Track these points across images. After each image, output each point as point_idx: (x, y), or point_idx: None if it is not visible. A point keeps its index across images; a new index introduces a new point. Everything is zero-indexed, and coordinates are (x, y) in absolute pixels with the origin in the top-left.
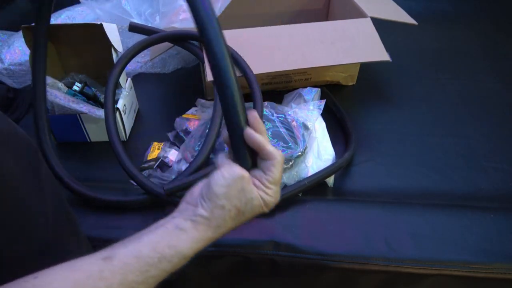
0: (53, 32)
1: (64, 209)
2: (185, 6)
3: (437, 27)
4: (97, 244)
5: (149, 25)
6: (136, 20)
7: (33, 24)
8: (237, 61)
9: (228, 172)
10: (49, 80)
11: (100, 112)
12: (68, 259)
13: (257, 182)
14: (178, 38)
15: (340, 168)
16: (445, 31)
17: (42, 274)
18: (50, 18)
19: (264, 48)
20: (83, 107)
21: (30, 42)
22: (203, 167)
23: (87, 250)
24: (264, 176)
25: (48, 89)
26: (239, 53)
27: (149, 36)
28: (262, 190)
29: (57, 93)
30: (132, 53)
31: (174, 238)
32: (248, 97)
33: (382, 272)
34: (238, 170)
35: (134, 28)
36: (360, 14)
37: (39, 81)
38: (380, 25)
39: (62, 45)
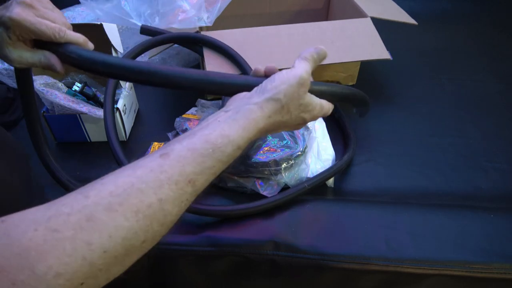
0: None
1: None
2: (184, 6)
3: (437, 27)
4: None
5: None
6: (136, 21)
7: None
8: (236, 59)
9: (293, 73)
10: (49, 80)
11: (100, 112)
12: None
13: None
14: (180, 40)
15: (340, 171)
16: (445, 31)
17: (109, 175)
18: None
19: (264, 47)
20: (83, 107)
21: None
22: None
23: None
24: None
25: (47, 89)
26: (239, 52)
27: (150, 38)
28: (312, 99)
29: (57, 93)
30: (133, 55)
31: (226, 128)
32: None
33: (382, 272)
34: (303, 74)
35: (145, 30)
36: (360, 14)
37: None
38: (380, 25)
39: None
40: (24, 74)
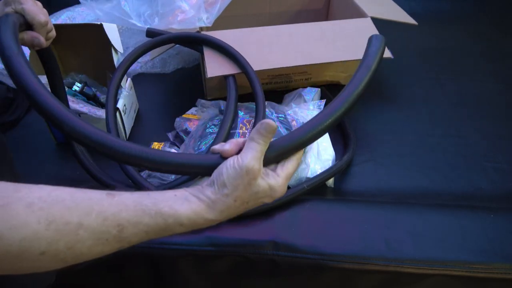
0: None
1: None
2: (183, 7)
3: (437, 27)
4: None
5: (148, 26)
6: (135, 21)
7: None
8: (236, 58)
9: (238, 163)
10: None
11: (99, 112)
12: None
13: (270, 172)
14: (181, 40)
15: (339, 171)
16: (445, 31)
17: (51, 186)
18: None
19: (264, 47)
20: (83, 107)
21: (32, 53)
22: None
23: None
24: (279, 167)
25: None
26: (240, 52)
27: (151, 39)
28: (273, 180)
29: None
30: (135, 56)
31: (178, 203)
32: (249, 96)
33: (382, 272)
34: (249, 162)
35: (150, 33)
36: (360, 14)
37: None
38: (380, 25)
39: (62, 45)
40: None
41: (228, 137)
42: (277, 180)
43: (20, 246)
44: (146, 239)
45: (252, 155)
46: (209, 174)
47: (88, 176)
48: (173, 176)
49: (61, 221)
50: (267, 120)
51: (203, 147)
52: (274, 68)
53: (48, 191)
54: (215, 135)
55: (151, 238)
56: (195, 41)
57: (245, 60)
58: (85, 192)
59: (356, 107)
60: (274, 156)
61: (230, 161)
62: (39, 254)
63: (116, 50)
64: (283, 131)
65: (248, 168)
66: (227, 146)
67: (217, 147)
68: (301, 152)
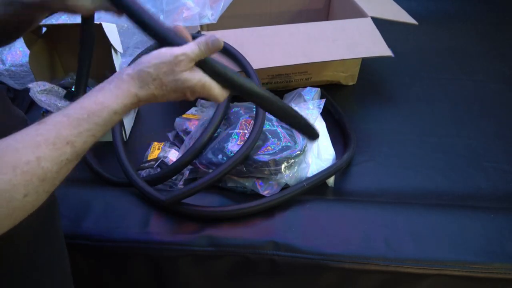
0: (53, 32)
1: None
2: (188, 4)
3: (437, 27)
4: (97, 244)
5: None
6: None
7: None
8: (236, 57)
9: (170, 49)
10: (46, 85)
11: None
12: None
13: (196, 70)
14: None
15: (339, 170)
16: (445, 31)
17: None
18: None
19: (264, 46)
20: None
21: (30, 42)
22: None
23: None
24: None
25: (45, 96)
26: (240, 51)
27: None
28: (198, 79)
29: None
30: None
31: (100, 96)
32: None
33: (382, 272)
34: (179, 54)
35: None
36: (360, 14)
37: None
38: (380, 25)
39: (62, 45)
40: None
41: (213, 136)
42: (202, 80)
43: (5, 199)
44: (97, 139)
45: (186, 50)
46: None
47: (88, 175)
48: (180, 183)
49: (21, 162)
50: (218, 38)
51: None
52: (274, 67)
53: None
54: (215, 135)
55: (101, 135)
56: None
57: (245, 59)
58: (22, 132)
59: (356, 107)
60: (209, 67)
61: (162, 49)
62: (23, 198)
63: (116, 50)
64: (282, 131)
65: (176, 57)
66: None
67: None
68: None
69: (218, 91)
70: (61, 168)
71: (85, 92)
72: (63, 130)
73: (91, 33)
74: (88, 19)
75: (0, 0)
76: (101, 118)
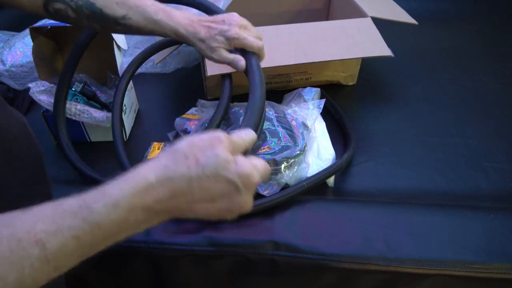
0: (54, 32)
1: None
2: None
3: (437, 27)
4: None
5: None
6: None
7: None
8: None
9: (208, 133)
10: (46, 85)
11: (96, 114)
12: None
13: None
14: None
15: (339, 170)
16: (445, 31)
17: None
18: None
19: (264, 46)
20: (85, 117)
21: (36, 41)
22: None
23: None
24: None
25: (44, 96)
26: None
27: (159, 40)
28: (241, 159)
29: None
30: (144, 55)
31: (107, 185)
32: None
33: (382, 272)
34: (221, 134)
35: None
36: (360, 14)
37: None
38: (380, 25)
39: (62, 45)
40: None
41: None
42: (245, 160)
43: None
44: (81, 245)
45: (225, 135)
46: None
47: (88, 176)
48: None
49: None
50: (253, 132)
51: None
52: (274, 67)
53: None
54: None
55: (88, 243)
56: None
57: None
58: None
59: (356, 107)
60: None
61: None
62: None
63: (119, 48)
64: (282, 131)
65: (219, 137)
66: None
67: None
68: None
69: (259, 166)
70: (20, 278)
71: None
72: (39, 223)
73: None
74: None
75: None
76: (94, 212)
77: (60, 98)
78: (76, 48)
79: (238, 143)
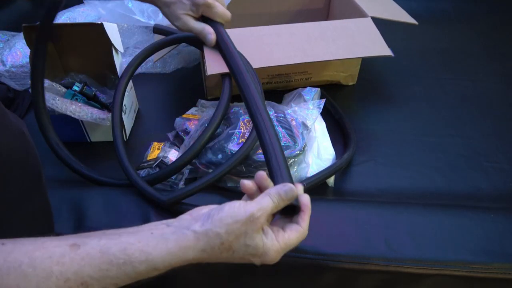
0: (54, 32)
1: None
2: None
3: (437, 27)
4: None
5: (152, 22)
6: (139, 17)
7: (36, 23)
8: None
9: (245, 206)
10: (47, 82)
11: (96, 114)
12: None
13: (270, 232)
14: (186, 40)
15: (339, 170)
16: (446, 31)
17: (10, 242)
18: (53, 21)
19: (264, 45)
20: (86, 115)
21: (31, 41)
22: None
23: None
24: (282, 232)
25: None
26: (239, 50)
27: (159, 40)
28: (270, 242)
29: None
30: (143, 56)
31: (151, 244)
32: None
33: (382, 272)
34: (255, 211)
35: (158, 30)
36: (360, 13)
37: (38, 80)
38: (381, 25)
39: (62, 45)
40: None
41: (213, 136)
42: (274, 244)
43: None
44: (118, 286)
45: (261, 206)
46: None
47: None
48: (181, 183)
49: None
50: (292, 186)
51: None
52: (274, 67)
53: (5, 255)
54: (215, 135)
55: (122, 286)
56: (197, 41)
57: (245, 58)
58: (46, 249)
59: (356, 107)
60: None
61: (235, 204)
62: None
63: (116, 50)
64: (282, 131)
65: (253, 216)
66: (259, 177)
67: (246, 182)
68: (305, 227)
69: (294, 242)
70: None
71: (42, 93)
72: (87, 267)
73: (50, 27)
74: (53, 11)
75: None
76: (136, 271)
77: (38, 93)
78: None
79: (275, 208)
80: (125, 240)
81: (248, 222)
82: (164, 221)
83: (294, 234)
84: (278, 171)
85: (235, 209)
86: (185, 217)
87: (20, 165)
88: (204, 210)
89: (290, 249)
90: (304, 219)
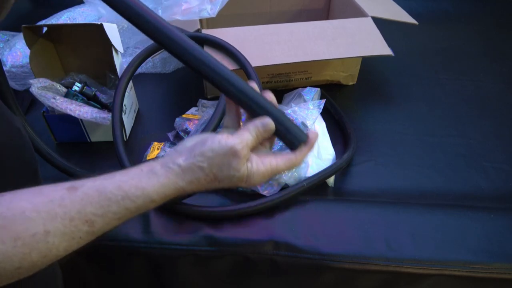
0: (53, 32)
1: None
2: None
3: (437, 27)
4: (97, 243)
5: None
6: None
7: (36, 23)
8: (235, 56)
9: (226, 140)
10: (47, 82)
11: (96, 114)
12: None
13: (255, 158)
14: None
15: (339, 170)
16: (445, 31)
17: (9, 193)
18: None
19: (264, 44)
20: (86, 113)
21: (31, 41)
22: None
23: None
24: (270, 157)
25: (44, 92)
26: (239, 49)
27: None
28: (255, 167)
29: (52, 97)
30: (142, 57)
31: (144, 179)
32: None
33: (382, 272)
34: (236, 144)
35: None
36: (360, 13)
37: None
38: (380, 25)
39: (62, 45)
40: None
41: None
42: (259, 168)
43: None
44: (121, 223)
45: (241, 140)
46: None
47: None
48: None
49: (26, 234)
50: (269, 120)
51: None
52: (274, 66)
53: (7, 204)
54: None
55: (125, 220)
56: (198, 41)
57: (244, 57)
58: (45, 194)
59: (356, 107)
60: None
61: (218, 136)
62: (15, 270)
63: (116, 50)
64: None
65: (234, 149)
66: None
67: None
68: (298, 157)
69: (281, 167)
70: (70, 246)
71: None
72: (88, 206)
73: None
74: None
75: None
76: (135, 205)
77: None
78: None
79: (255, 140)
80: (118, 179)
81: (229, 154)
82: (151, 160)
83: (283, 160)
84: (252, 103)
85: (216, 143)
86: (170, 152)
87: (16, 159)
88: (188, 143)
89: (278, 173)
90: (302, 150)
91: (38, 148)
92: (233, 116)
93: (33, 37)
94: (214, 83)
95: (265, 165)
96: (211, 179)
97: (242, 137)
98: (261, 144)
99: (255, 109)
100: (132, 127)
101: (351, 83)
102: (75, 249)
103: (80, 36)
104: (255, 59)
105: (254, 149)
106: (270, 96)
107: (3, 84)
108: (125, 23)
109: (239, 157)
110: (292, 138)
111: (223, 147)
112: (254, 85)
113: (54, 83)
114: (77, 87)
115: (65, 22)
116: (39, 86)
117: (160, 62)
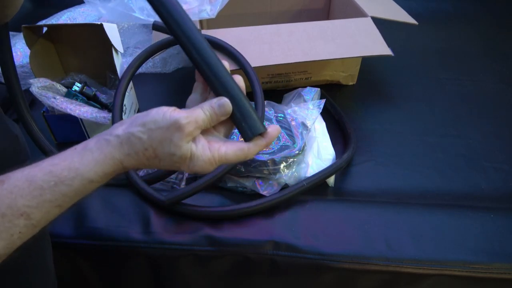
0: (53, 32)
1: None
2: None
3: (437, 27)
4: (97, 243)
5: (152, 19)
6: (139, 15)
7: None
8: (235, 56)
9: (171, 113)
10: (47, 82)
11: (96, 114)
12: None
13: (202, 142)
14: None
15: (339, 169)
16: (445, 31)
17: None
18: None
19: (264, 44)
20: (86, 113)
21: (31, 41)
22: None
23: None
24: (219, 144)
25: (45, 92)
26: (239, 49)
27: (158, 41)
28: (200, 151)
29: (52, 96)
30: (142, 58)
31: (76, 159)
32: (248, 95)
33: (382, 272)
34: (181, 118)
35: (157, 27)
36: (360, 13)
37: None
38: (380, 25)
39: (62, 45)
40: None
41: None
42: (205, 153)
43: None
44: (65, 209)
45: (191, 116)
46: None
47: None
48: (183, 183)
49: None
50: (226, 101)
51: None
52: (273, 66)
53: None
54: None
55: (70, 205)
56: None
57: (244, 58)
58: None
59: (356, 107)
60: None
61: (164, 108)
62: None
63: (116, 50)
64: (281, 131)
65: (178, 123)
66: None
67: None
68: (252, 149)
69: (231, 158)
70: (10, 243)
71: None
72: (19, 199)
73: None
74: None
75: None
76: (71, 188)
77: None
78: None
79: (207, 120)
80: (48, 163)
81: (172, 128)
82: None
83: (233, 148)
84: (216, 82)
85: (161, 114)
86: (115, 124)
87: (13, 165)
88: (137, 114)
89: (226, 162)
90: (257, 143)
91: (43, 147)
92: (198, 96)
93: (33, 37)
94: (183, 47)
95: (212, 151)
96: (150, 155)
97: (191, 113)
98: (215, 129)
99: (216, 87)
100: None
101: (351, 83)
102: (20, 244)
103: (80, 36)
104: (255, 59)
105: (206, 132)
106: (238, 78)
107: (14, 83)
108: (125, 23)
109: (182, 132)
110: (247, 127)
111: (167, 120)
112: (226, 63)
113: (54, 83)
114: (77, 87)
115: (65, 22)
116: (39, 86)
117: (160, 62)
